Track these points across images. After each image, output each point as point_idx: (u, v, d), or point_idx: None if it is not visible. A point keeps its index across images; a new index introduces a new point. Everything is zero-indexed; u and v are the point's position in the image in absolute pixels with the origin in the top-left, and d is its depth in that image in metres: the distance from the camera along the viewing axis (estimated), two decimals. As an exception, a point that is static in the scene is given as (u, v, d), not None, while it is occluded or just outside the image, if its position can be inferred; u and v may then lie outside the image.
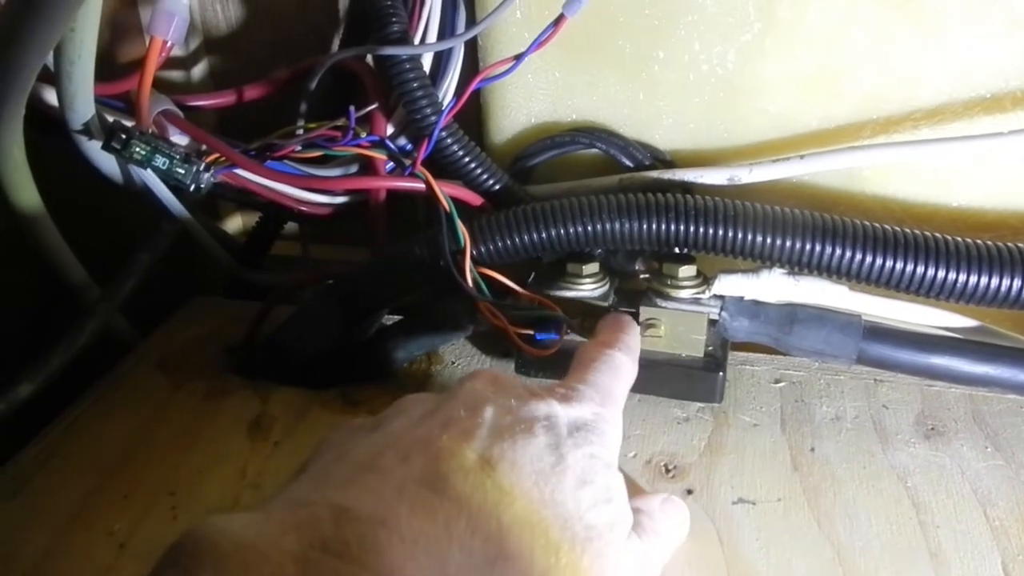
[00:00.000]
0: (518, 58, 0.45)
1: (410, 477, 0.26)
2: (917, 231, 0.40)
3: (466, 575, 0.25)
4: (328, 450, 0.30)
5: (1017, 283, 0.38)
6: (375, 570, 0.23)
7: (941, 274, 0.39)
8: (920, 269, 0.39)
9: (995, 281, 0.38)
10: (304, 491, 0.27)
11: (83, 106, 0.43)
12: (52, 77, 0.42)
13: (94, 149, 0.45)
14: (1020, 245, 0.39)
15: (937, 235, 0.40)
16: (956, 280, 0.39)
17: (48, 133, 0.46)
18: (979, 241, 0.39)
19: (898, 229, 0.40)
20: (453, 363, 0.49)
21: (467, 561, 0.25)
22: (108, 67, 0.51)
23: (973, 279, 0.39)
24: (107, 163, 0.47)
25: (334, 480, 0.27)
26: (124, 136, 0.43)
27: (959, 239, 0.39)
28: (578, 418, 0.31)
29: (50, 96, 0.45)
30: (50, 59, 0.41)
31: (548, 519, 0.27)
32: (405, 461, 0.27)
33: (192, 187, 0.45)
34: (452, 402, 0.31)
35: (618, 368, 0.36)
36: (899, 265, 0.39)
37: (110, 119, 0.45)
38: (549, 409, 0.31)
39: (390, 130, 0.49)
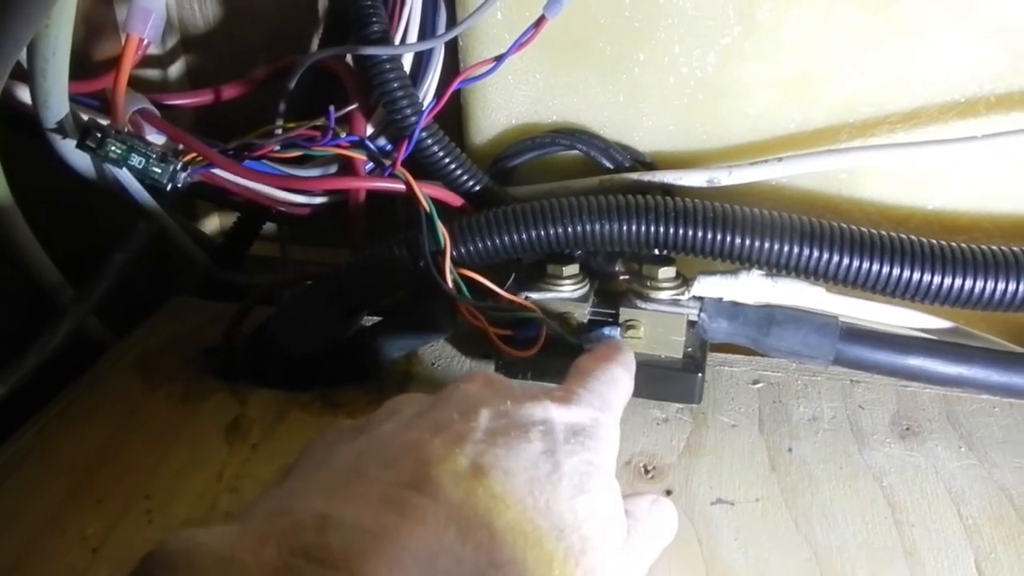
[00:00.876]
0: (499, 59, 0.45)
1: (398, 482, 0.25)
2: (893, 234, 0.40)
3: None
4: (312, 455, 0.29)
5: (990, 285, 0.39)
6: None
7: (916, 276, 0.39)
8: (896, 271, 0.39)
9: (969, 283, 0.39)
10: (285, 499, 0.25)
11: (57, 104, 0.42)
12: (26, 74, 0.41)
13: (68, 148, 0.44)
14: (993, 248, 0.40)
15: (912, 238, 0.40)
16: (931, 282, 0.39)
17: (21, 131, 0.45)
18: (953, 244, 0.40)
19: (874, 232, 0.40)
20: (433, 364, 0.49)
21: (456, 570, 0.24)
22: (83, 65, 0.50)
23: (947, 281, 0.39)
24: (82, 162, 0.46)
25: (317, 487, 0.26)
26: (99, 134, 0.42)
27: (934, 242, 0.40)
28: (575, 423, 0.30)
29: (23, 94, 0.44)
30: (24, 56, 0.40)
31: (542, 529, 0.26)
32: (393, 466, 0.26)
33: (169, 186, 0.45)
34: (444, 404, 0.30)
35: (616, 380, 0.35)
36: (875, 267, 0.40)
37: (85, 117, 0.45)
38: (545, 413, 0.30)
39: (370, 130, 0.49)
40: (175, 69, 0.59)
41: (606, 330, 0.43)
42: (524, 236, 0.42)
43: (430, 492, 0.25)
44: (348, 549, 0.22)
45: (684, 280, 0.44)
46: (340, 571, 0.22)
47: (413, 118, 0.45)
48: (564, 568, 0.26)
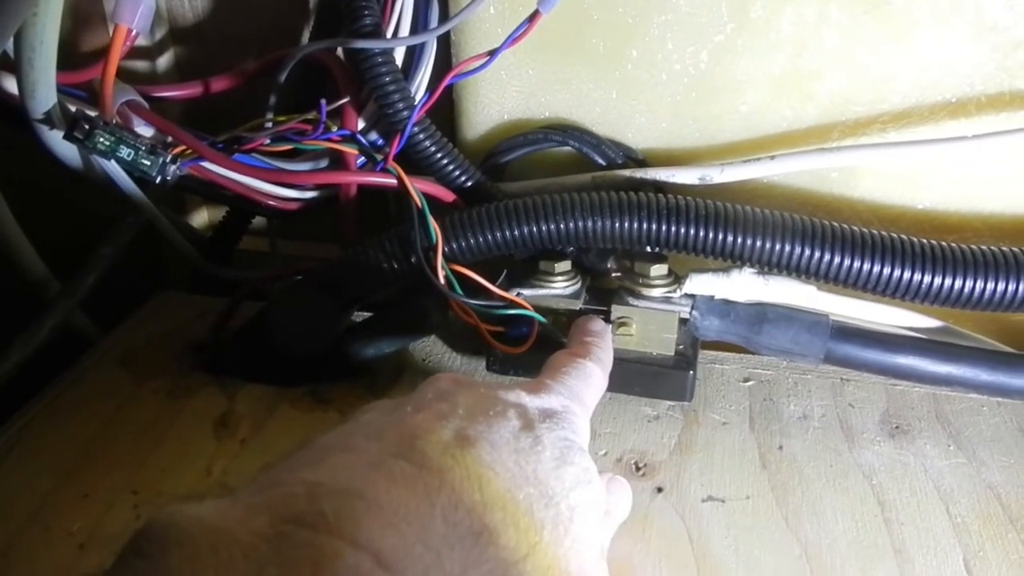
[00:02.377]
0: (492, 54, 0.45)
1: (386, 452, 0.25)
2: (884, 233, 0.40)
3: (450, 548, 0.23)
4: (297, 448, 0.30)
5: (980, 284, 0.39)
6: (353, 541, 0.22)
7: (907, 275, 0.39)
8: (886, 270, 0.40)
9: (959, 283, 0.39)
10: (273, 475, 0.25)
11: (45, 94, 0.42)
12: (12, 64, 0.41)
13: (56, 139, 0.44)
14: (983, 247, 0.40)
15: (903, 237, 0.40)
16: (921, 281, 0.39)
17: (7, 122, 0.45)
18: (944, 243, 0.40)
19: (865, 230, 0.40)
20: (424, 360, 0.49)
21: (451, 533, 0.24)
22: (71, 55, 0.50)
23: (937, 280, 0.39)
24: (69, 154, 0.46)
25: (304, 462, 0.26)
26: (87, 126, 0.42)
27: (924, 241, 0.40)
28: (547, 407, 0.31)
29: (10, 84, 0.44)
30: (10, 45, 0.40)
31: (532, 496, 0.26)
32: (379, 439, 0.26)
33: (158, 179, 0.44)
34: (420, 393, 0.31)
35: (588, 375, 0.36)
36: (866, 266, 0.40)
37: (72, 108, 0.44)
38: (518, 399, 0.31)
39: (361, 124, 0.49)
40: (164, 61, 0.58)
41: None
42: (516, 232, 0.42)
43: (418, 461, 0.25)
44: (341, 514, 0.22)
45: (676, 278, 0.44)
46: (334, 536, 0.22)
47: (405, 113, 0.45)
48: (554, 535, 0.26)
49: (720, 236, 0.40)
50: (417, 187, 0.43)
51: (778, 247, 0.40)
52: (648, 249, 0.43)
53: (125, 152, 0.43)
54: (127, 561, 0.21)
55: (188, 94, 0.51)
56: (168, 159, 0.44)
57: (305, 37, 0.55)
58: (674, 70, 0.46)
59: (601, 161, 0.48)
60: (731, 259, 0.41)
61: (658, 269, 0.44)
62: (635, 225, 0.41)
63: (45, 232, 0.49)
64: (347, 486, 0.23)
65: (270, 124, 0.47)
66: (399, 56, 0.47)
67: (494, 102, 0.49)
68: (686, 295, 0.44)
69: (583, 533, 0.27)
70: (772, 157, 0.45)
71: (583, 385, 0.35)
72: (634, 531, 0.36)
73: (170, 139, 0.46)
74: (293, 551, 0.21)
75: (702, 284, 0.43)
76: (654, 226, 0.41)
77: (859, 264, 0.40)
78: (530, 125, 0.49)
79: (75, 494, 0.38)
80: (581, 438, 0.31)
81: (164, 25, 0.57)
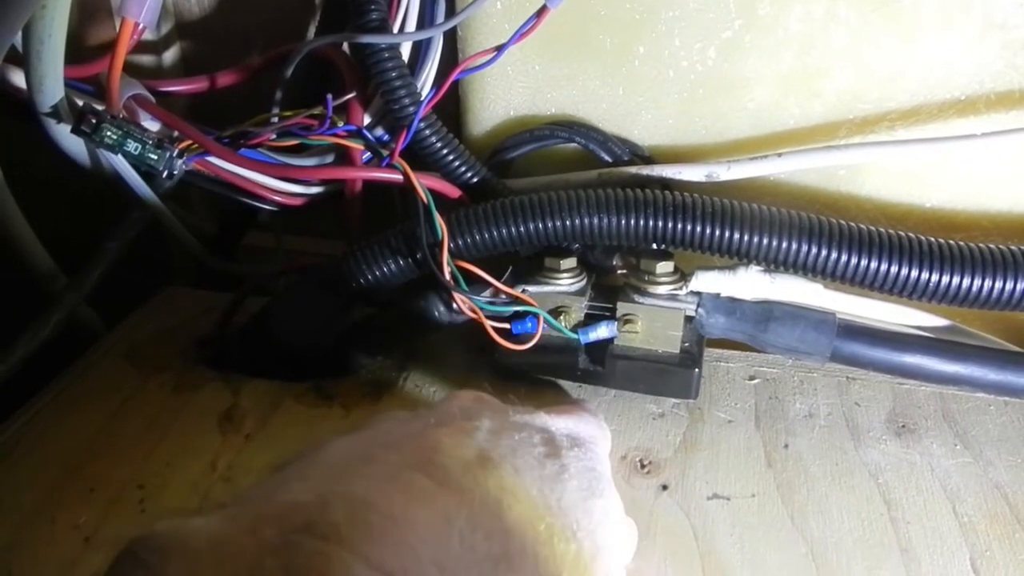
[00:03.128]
0: (499, 49, 0.45)
1: (405, 464, 0.24)
2: (891, 231, 0.40)
3: (466, 572, 0.22)
4: (306, 453, 0.27)
5: (988, 283, 0.39)
6: (365, 556, 0.20)
7: (914, 273, 0.39)
8: (893, 268, 0.39)
9: (966, 281, 0.39)
10: (282, 483, 0.24)
11: (52, 88, 0.42)
12: (20, 58, 0.41)
13: (63, 133, 0.44)
14: (991, 246, 0.40)
15: (910, 235, 0.40)
16: (928, 280, 0.39)
17: (14, 116, 0.45)
18: (951, 241, 0.40)
19: (872, 228, 0.40)
20: (430, 356, 0.49)
21: (468, 557, 0.22)
22: (78, 49, 0.50)
23: (945, 279, 0.39)
24: (76, 148, 0.46)
25: (317, 470, 0.24)
26: (94, 120, 0.42)
27: (932, 239, 0.40)
28: (575, 434, 0.30)
29: (18, 78, 0.44)
30: (19, 39, 0.40)
31: (554, 527, 0.25)
32: (398, 450, 0.25)
33: (164, 174, 0.44)
34: (443, 406, 0.29)
35: (598, 428, 0.34)
36: (873, 264, 0.39)
37: (79, 102, 0.44)
38: (544, 423, 0.30)
39: (367, 120, 0.48)
40: (170, 55, 0.58)
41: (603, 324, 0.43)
42: (522, 229, 0.42)
43: (438, 476, 0.24)
44: (353, 527, 0.21)
45: (682, 275, 0.44)
46: (345, 549, 0.20)
47: (411, 108, 0.45)
48: (575, 570, 0.24)
49: (726, 233, 0.40)
50: (423, 183, 0.43)
51: (784, 245, 0.40)
52: (654, 246, 0.43)
53: (132, 146, 0.43)
54: (123, 569, 0.20)
55: (194, 89, 0.51)
56: (174, 153, 0.44)
57: (311, 32, 0.54)
58: (681, 67, 0.46)
59: (607, 158, 0.48)
60: (737, 257, 0.41)
61: (664, 266, 0.43)
62: (641, 222, 0.41)
63: (51, 226, 0.49)
64: (362, 497, 0.22)
65: (276, 119, 0.47)
66: (405, 51, 0.47)
67: (500, 98, 0.49)
68: (692, 292, 0.43)
69: (606, 571, 0.26)
70: (779, 154, 0.45)
71: (598, 433, 0.33)
72: (639, 529, 0.36)
73: (176, 133, 0.46)
74: (300, 560, 0.20)
75: (708, 282, 0.43)
76: (660, 223, 0.41)
77: (866, 262, 0.40)
78: (536, 121, 0.49)
79: (81, 488, 0.38)
80: (606, 469, 0.30)
81: (170, 20, 0.57)
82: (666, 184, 0.46)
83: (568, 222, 0.41)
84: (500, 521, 0.23)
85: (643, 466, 0.40)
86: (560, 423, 0.30)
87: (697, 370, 0.43)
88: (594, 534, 0.26)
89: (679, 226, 0.40)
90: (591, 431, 0.31)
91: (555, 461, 0.27)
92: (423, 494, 0.23)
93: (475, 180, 0.47)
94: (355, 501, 0.22)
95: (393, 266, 0.43)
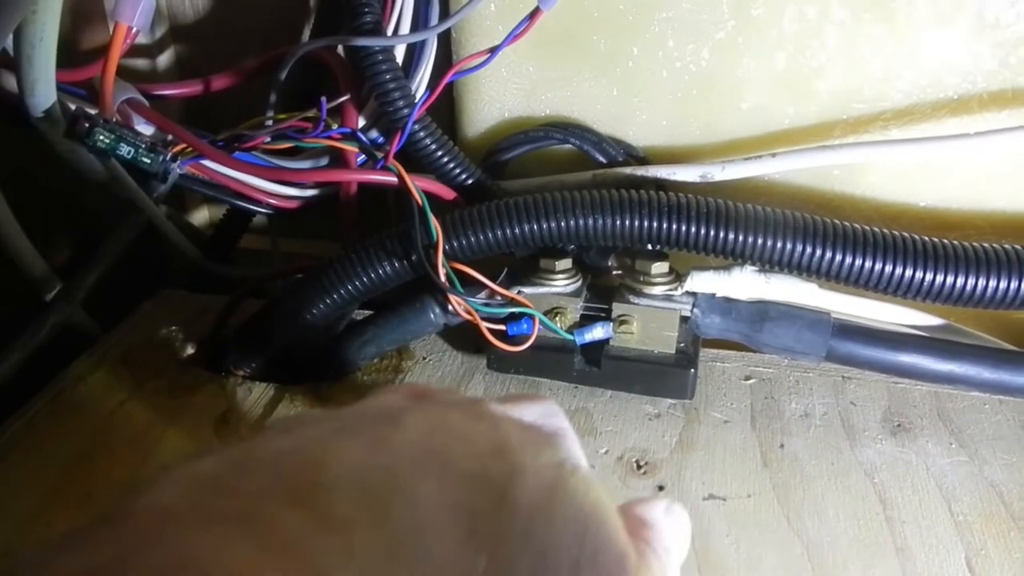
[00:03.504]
0: (493, 51, 0.45)
1: (269, 495, 0.17)
2: (885, 230, 0.40)
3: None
4: (128, 493, 0.18)
5: (982, 282, 0.39)
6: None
7: (908, 273, 0.39)
8: (888, 268, 0.39)
9: (960, 280, 0.39)
10: (72, 542, 0.16)
11: (44, 92, 0.42)
12: (12, 62, 0.41)
13: (56, 137, 0.44)
14: (985, 245, 0.40)
15: (904, 234, 0.40)
16: (923, 279, 0.39)
17: (7, 120, 0.45)
18: (945, 241, 0.40)
19: (867, 228, 0.40)
20: (424, 359, 0.49)
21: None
22: (71, 53, 0.50)
23: (939, 278, 0.39)
24: (70, 152, 0.45)
25: (131, 524, 0.17)
26: (87, 124, 0.42)
27: (926, 238, 0.40)
28: (547, 428, 0.25)
29: (9, 82, 0.44)
30: (10, 43, 0.39)
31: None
32: (270, 472, 0.18)
33: (158, 177, 0.44)
34: (360, 406, 0.24)
35: (565, 419, 0.28)
36: (868, 264, 0.40)
37: (72, 106, 0.44)
38: (512, 416, 0.24)
39: (362, 122, 0.49)
40: (164, 59, 0.58)
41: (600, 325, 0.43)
42: (517, 230, 0.42)
43: (318, 510, 0.17)
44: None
45: (677, 275, 0.44)
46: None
47: (406, 110, 0.45)
48: None
49: (721, 234, 0.40)
50: (418, 185, 0.43)
51: (779, 245, 0.40)
52: (649, 247, 0.43)
53: (125, 150, 0.43)
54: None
55: (188, 92, 0.51)
56: (168, 157, 0.44)
57: (306, 35, 0.54)
58: (675, 67, 0.46)
59: (602, 159, 0.48)
60: (732, 257, 0.41)
61: (659, 267, 0.44)
62: (636, 223, 0.41)
63: (46, 230, 0.49)
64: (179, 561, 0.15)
65: (270, 122, 0.47)
66: (400, 54, 0.47)
67: (495, 100, 0.49)
68: (687, 293, 0.44)
69: None
70: (773, 155, 0.45)
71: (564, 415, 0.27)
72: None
73: (170, 137, 0.46)
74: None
75: (703, 282, 0.43)
76: (655, 224, 0.41)
77: (861, 262, 0.40)
78: (531, 123, 0.49)
79: (77, 492, 0.38)
80: (584, 462, 0.24)
81: (164, 23, 0.57)
82: (661, 185, 0.46)
83: (563, 223, 0.41)
84: None
85: (639, 467, 0.40)
86: (529, 416, 0.25)
87: (693, 370, 0.43)
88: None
89: (674, 227, 0.40)
90: (559, 423, 0.26)
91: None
92: (281, 547, 0.15)
93: (470, 182, 0.47)
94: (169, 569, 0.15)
95: (388, 268, 0.43)
